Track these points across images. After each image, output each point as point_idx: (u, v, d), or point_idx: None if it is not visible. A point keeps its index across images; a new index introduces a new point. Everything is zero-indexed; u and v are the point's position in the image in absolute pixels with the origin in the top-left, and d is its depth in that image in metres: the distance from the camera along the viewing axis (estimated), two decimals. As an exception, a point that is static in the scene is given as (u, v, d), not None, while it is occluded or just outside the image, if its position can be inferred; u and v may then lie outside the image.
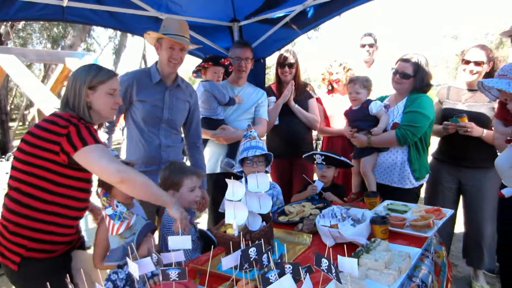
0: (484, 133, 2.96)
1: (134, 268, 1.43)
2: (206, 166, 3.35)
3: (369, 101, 3.11)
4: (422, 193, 3.29)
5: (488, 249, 3.27)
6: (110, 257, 1.95)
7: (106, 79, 2.04)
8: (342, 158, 2.88)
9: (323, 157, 2.88)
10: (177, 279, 1.38)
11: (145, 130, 2.81)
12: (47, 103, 5.71)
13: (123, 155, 2.94)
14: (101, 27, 3.49)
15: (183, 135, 3.11)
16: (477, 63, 3.03)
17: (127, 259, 1.49)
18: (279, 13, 3.55)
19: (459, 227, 3.60)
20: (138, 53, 21.34)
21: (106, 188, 2.04)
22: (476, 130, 2.95)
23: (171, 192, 2.33)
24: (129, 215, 1.92)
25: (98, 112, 2.05)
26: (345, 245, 1.59)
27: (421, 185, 3.13)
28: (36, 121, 7.75)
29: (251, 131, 2.65)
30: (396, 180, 3.01)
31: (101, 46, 19.45)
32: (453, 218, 3.33)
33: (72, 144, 1.84)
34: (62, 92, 12.22)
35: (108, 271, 2.05)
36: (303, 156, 3.06)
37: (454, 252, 3.74)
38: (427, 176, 3.13)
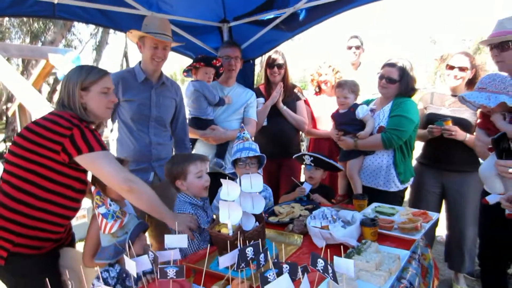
0: (467, 137, 3.05)
1: (131, 266, 1.43)
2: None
3: (356, 105, 3.16)
4: (406, 196, 3.36)
5: (469, 253, 3.36)
6: (101, 254, 1.94)
7: (98, 79, 2.05)
8: (331, 161, 2.91)
9: (312, 158, 2.91)
10: (175, 277, 1.39)
11: (134, 129, 2.81)
12: (29, 98, 5.60)
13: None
14: (92, 24, 3.45)
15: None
16: (462, 69, 3.13)
17: (125, 256, 1.49)
18: (269, 15, 3.58)
19: (440, 230, 3.70)
20: (119, 50, 21.03)
21: (100, 186, 2.03)
22: (460, 134, 3.03)
23: (179, 182, 2.33)
24: (122, 214, 1.92)
25: (93, 112, 2.05)
26: (341, 246, 1.62)
27: (406, 188, 3.20)
28: (17, 116, 7.61)
29: (244, 133, 2.67)
30: (382, 183, 3.08)
31: (83, 43, 19.06)
32: (435, 222, 3.42)
33: (76, 147, 1.86)
34: (43, 88, 11.95)
35: (96, 268, 2.04)
36: (294, 156, 3.08)
37: (435, 254, 3.83)
38: (412, 179, 3.20)
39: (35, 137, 1.88)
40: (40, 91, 10.20)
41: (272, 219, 2.57)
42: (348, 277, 1.59)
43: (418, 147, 3.47)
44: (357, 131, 3.10)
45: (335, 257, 1.44)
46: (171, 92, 2.97)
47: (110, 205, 1.90)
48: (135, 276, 1.45)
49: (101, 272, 1.88)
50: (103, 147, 1.94)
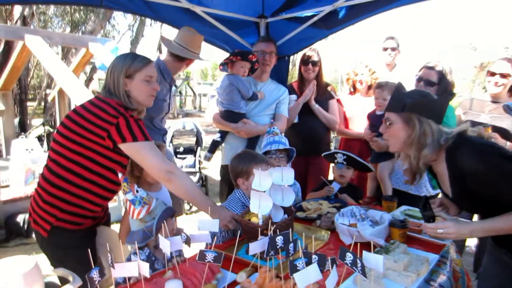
0: (507, 145, 2.97)
1: (166, 245, 1.49)
2: (224, 157, 3.43)
3: None
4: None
5: None
6: (130, 238, 2.01)
7: (142, 67, 2.10)
8: (364, 162, 2.90)
9: (345, 157, 2.90)
10: (212, 261, 1.44)
11: (152, 122, 3.02)
12: (70, 84, 5.82)
13: None
14: (136, 15, 3.54)
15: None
16: (503, 75, 3.05)
17: (159, 236, 1.55)
18: (307, 12, 3.58)
19: (469, 241, 3.60)
20: (153, 43, 21.52)
21: (139, 170, 2.11)
22: (500, 142, 2.94)
23: (241, 180, 2.34)
24: (149, 200, 1.97)
25: (136, 99, 2.12)
26: (371, 243, 1.63)
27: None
28: (56, 101, 7.93)
29: (274, 128, 2.70)
30: (413, 187, 3.03)
31: (120, 34, 19.64)
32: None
33: (121, 135, 1.95)
34: (81, 76, 12.35)
35: (129, 247, 2.12)
36: (323, 154, 3.08)
37: (463, 264, 3.74)
38: None
39: (83, 121, 1.97)
40: (79, 78, 10.55)
41: (300, 214, 2.59)
42: (376, 274, 1.60)
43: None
44: None
45: (364, 252, 1.44)
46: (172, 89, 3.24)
47: (137, 191, 1.95)
48: (168, 255, 1.51)
49: (130, 255, 1.95)
50: (146, 137, 2.02)
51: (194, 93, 29.68)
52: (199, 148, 6.68)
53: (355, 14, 3.38)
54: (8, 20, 11.71)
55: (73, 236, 2.07)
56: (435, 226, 1.91)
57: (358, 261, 1.38)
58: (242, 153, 2.51)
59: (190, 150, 6.80)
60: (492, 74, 3.10)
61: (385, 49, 4.38)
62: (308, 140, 3.75)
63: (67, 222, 2.04)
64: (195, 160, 6.54)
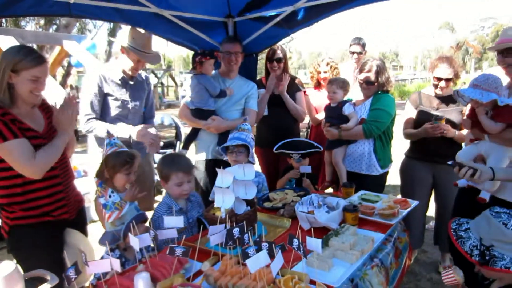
0: (456, 133, 3.32)
1: (135, 242, 1.70)
2: (198, 153, 3.63)
3: (344, 103, 3.48)
4: (389, 181, 3.65)
5: None
6: (102, 239, 2.15)
7: (30, 67, 2.06)
8: (312, 150, 3.25)
9: (300, 155, 3.26)
10: (181, 255, 1.66)
11: (115, 121, 3.15)
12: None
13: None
14: (106, 21, 3.62)
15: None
16: (448, 80, 3.38)
17: (129, 234, 1.76)
18: (271, 12, 3.76)
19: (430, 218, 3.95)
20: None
21: (108, 173, 2.26)
22: (451, 132, 3.31)
23: (162, 182, 2.48)
24: (121, 206, 2.08)
25: (19, 94, 2.10)
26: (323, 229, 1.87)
27: (387, 172, 3.53)
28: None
29: (243, 124, 2.91)
30: (364, 168, 3.42)
31: (97, 27, 19.42)
32: (425, 209, 3.78)
33: None
34: (58, 73, 12.26)
35: (104, 249, 2.21)
36: (277, 151, 3.35)
37: (426, 239, 4.08)
38: (391, 165, 3.54)
39: None
40: (54, 76, 10.53)
41: (267, 204, 2.83)
42: (327, 254, 1.88)
43: (406, 142, 3.76)
44: (341, 124, 3.43)
45: (307, 237, 1.69)
46: (143, 84, 3.38)
47: (110, 196, 2.06)
48: (138, 250, 1.71)
49: (103, 255, 2.10)
50: (16, 135, 2.02)
51: (176, 83, 29.56)
52: (178, 142, 6.84)
53: (313, 14, 3.58)
54: (-21, 18, 11.50)
55: (33, 234, 2.18)
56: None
57: (301, 246, 1.62)
58: (167, 157, 2.63)
59: (170, 145, 6.93)
60: (438, 79, 3.40)
61: (352, 53, 4.67)
62: (277, 132, 3.95)
63: (21, 219, 2.18)
64: (175, 154, 6.68)
